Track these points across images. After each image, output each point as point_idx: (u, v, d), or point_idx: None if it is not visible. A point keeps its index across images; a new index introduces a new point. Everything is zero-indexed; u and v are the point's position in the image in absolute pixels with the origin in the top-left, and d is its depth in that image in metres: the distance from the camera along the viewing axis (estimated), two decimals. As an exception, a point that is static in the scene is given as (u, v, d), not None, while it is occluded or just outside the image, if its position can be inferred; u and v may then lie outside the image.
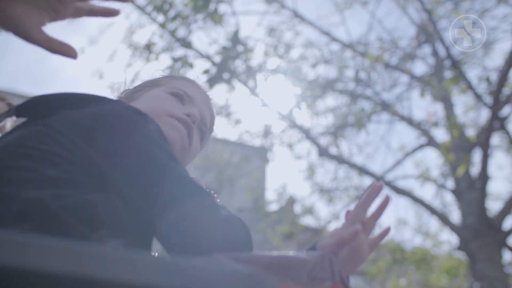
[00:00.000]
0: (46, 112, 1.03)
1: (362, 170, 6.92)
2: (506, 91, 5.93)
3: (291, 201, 10.04)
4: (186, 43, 4.60)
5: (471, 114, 7.10)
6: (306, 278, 0.74)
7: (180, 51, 5.43)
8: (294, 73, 6.86)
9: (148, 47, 5.30)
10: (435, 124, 6.88)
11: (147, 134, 0.98)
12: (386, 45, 7.73)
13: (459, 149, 6.46)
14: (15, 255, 0.49)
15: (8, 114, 1.07)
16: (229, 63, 5.00)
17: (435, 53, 7.35)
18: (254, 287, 0.55)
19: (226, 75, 5.02)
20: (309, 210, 9.30)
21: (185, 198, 0.94)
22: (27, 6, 0.75)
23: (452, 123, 5.91)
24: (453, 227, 6.33)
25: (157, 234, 0.97)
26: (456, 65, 5.56)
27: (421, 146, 7.34)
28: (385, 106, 7.35)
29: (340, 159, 6.88)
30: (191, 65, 4.63)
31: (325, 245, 0.99)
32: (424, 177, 6.58)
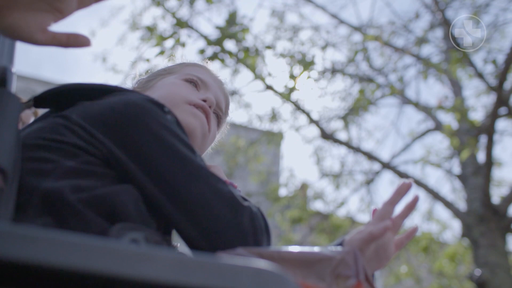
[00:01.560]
0: (65, 103, 1.05)
1: (366, 154, 6.83)
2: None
3: (305, 187, 10.02)
4: (180, 22, 4.57)
5: (483, 99, 6.97)
6: (330, 275, 0.74)
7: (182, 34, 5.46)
8: (300, 56, 6.77)
9: (150, 29, 5.30)
10: (444, 108, 6.74)
11: (164, 124, 0.98)
12: (397, 29, 7.61)
13: (465, 133, 6.33)
14: (35, 250, 0.50)
15: (27, 105, 1.07)
16: (225, 43, 4.97)
17: (446, 37, 7.19)
18: (272, 284, 0.55)
19: (221, 55, 5.00)
20: (319, 195, 9.24)
21: (203, 188, 0.94)
22: (25, 12, 0.74)
23: (456, 106, 5.78)
24: (457, 213, 6.22)
25: (175, 227, 0.96)
26: (459, 45, 5.42)
27: (428, 131, 7.21)
28: (394, 90, 7.24)
29: (343, 142, 6.80)
30: (183, 44, 4.61)
31: (353, 240, 1.00)
32: (425, 161, 6.45)
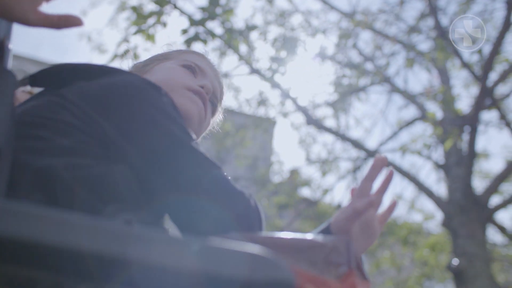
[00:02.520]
0: (61, 82, 1.04)
1: (352, 141, 6.81)
2: (500, 67, 5.76)
3: (295, 173, 10.02)
4: (161, 0, 4.51)
5: (471, 90, 6.93)
6: (322, 263, 0.73)
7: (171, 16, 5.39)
8: (286, 40, 6.72)
9: (135, 9, 5.24)
10: (432, 97, 6.70)
11: (160, 107, 0.97)
12: (387, 16, 7.55)
13: (450, 123, 6.31)
14: (25, 226, 0.50)
15: (23, 82, 1.08)
16: (208, 24, 4.92)
17: (437, 27, 7.14)
18: (266, 268, 0.55)
19: (203, 36, 4.95)
20: (307, 182, 9.25)
21: (198, 173, 0.93)
22: None
23: (441, 95, 5.74)
24: (438, 203, 6.22)
25: (168, 209, 0.96)
26: (444, 34, 5.38)
27: (415, 120, 7.18)
28: (381, 77, 7.20)
29: (328, 129, 6.77)
30: (164, 24, 4.56)
31: (338, 220, 1.01)
32: (405, 149, 6.44)
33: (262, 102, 7.64)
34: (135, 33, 4.38)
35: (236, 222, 0.91)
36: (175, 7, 4.65)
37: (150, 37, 4.41)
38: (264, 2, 6.84)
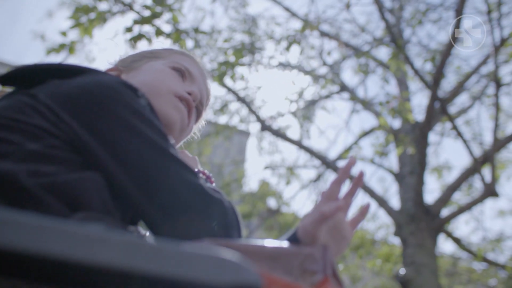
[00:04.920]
0: (33, 81, 0.99)
1: (308, 150, 6.75)
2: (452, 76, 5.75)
3: (265, 184, 9.96)
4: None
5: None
6: (297, 270, 0.73)
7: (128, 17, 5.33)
8: (247, 47, 6.67)
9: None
10: (392, 110, 6.68)
11: (136, 109, 0.92)
12: (355, 29, 7.54)
13: (403, 131, 6.28)
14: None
15: None
16: (153, 22, 4.86)
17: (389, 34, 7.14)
18: (232, 272, 0.54)
19: (148, 34, 4.88)
20: (274, 193, 9.20)
21: (174, 180, 0.89)
22: None
23: (390, 103, 5.71)
24: (390, 212, 6.15)
25: (143, 217, 0.91)
26: (395, 40, 5.36)
27: (373, 129, 7.15)
28: (341, 86, 7.18)
29: (282, 135, 6.71)
30: (104, 20, 4.48)
31: (305, 225, 0.97)
32: (345, 156, 6.39)
33: (221, 109, 7.57)
34: (72, 27, 4.30)
35: (213, 229, 0.88)
36: (123, 3, 4.59)
37: (88, 31, 4.34)
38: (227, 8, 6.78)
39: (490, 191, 5.58)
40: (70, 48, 4.37)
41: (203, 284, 0.52)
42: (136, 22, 4.87)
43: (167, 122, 1.12)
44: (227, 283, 0.53)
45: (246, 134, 13.40)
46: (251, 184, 9.63)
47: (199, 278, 0.52)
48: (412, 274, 5.46)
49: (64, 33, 4.28)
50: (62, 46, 4.33)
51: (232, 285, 0.53)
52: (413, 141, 5.99)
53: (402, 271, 5.55)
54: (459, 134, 5.74)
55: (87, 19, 4.32)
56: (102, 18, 4.47)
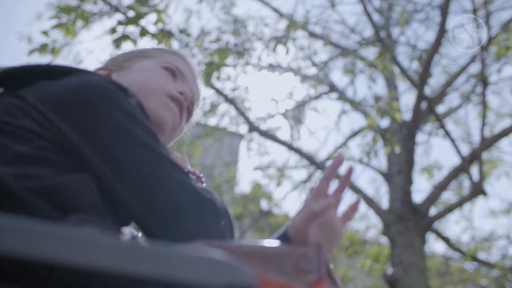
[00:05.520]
0: (21, 83, 0.97)
1: (297, 151, 6.74)
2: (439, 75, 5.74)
3: (257, 186, 9.95)
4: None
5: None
6: (292, 270, 0.72)
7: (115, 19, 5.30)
8: (236, 48, 6.66)
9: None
10: (379, 109, 6.67)
11: (126, 109, 0.90)
12: (345, 29, 7.54)
13: (390, 131, 6.27)
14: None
15: None
16: (138, 22, 4.84)
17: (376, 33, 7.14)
18: (226, 273, 0.54)
19: (133, 35, 4.87)
20: (266, 194, 9.19)
21: (165, 180, 0.87)
22: None
23: (378, 102, 5.70)
24: (378, 211, 6.14)
25: (135, 219, 0.90)
26: (381, 39, 5.35)
27: (362, 129, 7.14)
28: (333, 87, 7.17)
29: (270, 136, 6.69)
30: (86, 19, 4.46)
31: (295, 222, 0.97)
32: (331, 156, 6.38)
33: (211, 110, 7.54)
34: (54, 27, 4.28)
35: (204, 230, 0.87)
36: (106, 2, 4.57)
37: (71, 32, 4.32)
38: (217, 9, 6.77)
39: (478, 190, 5.57)
40: (53, 48, 4.34)
41: (197, 287, 0.52)
42: (120, 23, 4.86)
43: (159, 122, 1.12)
44: (222, 285, 0.52)
45: (239, 136, 13.40)
46: (243, 185, 9.55)
47: (194, 280, 0.52)
48: (400, 274, 5.44)
49: (45, 33, 4.25)
50: (44, 46, 4.31)
51: (227, 287, 0.53)
52: (401, 140, 5.99)
53: (390, 270, 5.53)
54: (447, 133, 5.74)
55: (69, 19, 4.29)
56: (85, 18, 4.45)
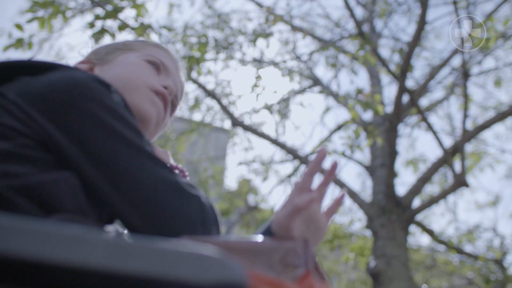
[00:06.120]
0: (1, 79, 0.95)
1: (277, 143, 6.72)
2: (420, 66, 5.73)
3: (245, 181, 9.93)
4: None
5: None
6: (279, 265, 0.73)
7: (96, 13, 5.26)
8: (220, 43, 6.62)
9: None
10: (361, 102, 6.66)
11: (109, 105, 0.89)
12: (330, 23, 7.53)
13: (372, 123, 6.27)
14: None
15: None
16: (115, 16, 4.80)
17: (356, 25, 7.13)
18: (217, 269, 0.53)
19: (111, 29, 4.83)
20: (254, 190, 9.19)
21: (150, 177, 0.86)
22: None
23: (357, 95, 5.69)
24: (361, 204, 6.14)
25: (119, 216, 0.88)
26: (361, 31, 5.34)
27: (346, 123, 7.12)
28: (316, 81, 7.16)
29: (254, 131, 6.67)
30: (63, 13, 4.41)
31: (279, 217, 0.97)
32: (315, 150, 6.37)
33: (195, 105, 7.51)
34: (29, 21, 4.22)
35: (189, 226, 0.86)
36: None
37: (47, 24, 4.26)
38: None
39: (461, 182, 5.58)
40: (30, 43, 4.30)
41: (187, 283, 0.51)
42: (98, 17, 4.82)
43: (143, 117, 1.10)
44: (213, 281, 0.52)
45: (226, 132, 13.39)
46: (230, 181, 9.54)
47: (184, 277, 0.51)
48: (383, 266, 5.44)
49: (19, 26, 4.19)
50: (20, 41, 4.25)
51: (217, 283, 0.52)
52: (383, 133, 5.99)
53: (373, 263, 5.54)
54: (429, 126, 5.74)
55: (45, 13, 4.24)
56: (62, 12, 4.40)
